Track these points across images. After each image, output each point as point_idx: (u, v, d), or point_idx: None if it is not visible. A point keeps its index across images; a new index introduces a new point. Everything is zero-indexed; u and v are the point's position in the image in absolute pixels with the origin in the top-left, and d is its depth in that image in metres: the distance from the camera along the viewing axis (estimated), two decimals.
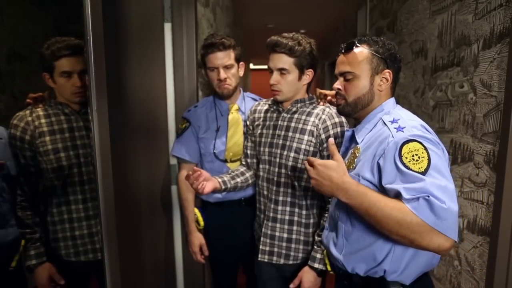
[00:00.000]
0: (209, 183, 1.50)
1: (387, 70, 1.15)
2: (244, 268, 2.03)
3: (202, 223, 1.75)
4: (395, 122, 1.08)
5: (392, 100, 1.20)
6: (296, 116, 1.53)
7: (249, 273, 1.95)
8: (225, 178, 1.61)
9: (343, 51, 1.19)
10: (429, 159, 0.98)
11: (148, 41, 1.65)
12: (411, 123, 1.07)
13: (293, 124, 1.52)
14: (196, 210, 1.77)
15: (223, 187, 1.58)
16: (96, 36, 1.01)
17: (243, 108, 1.78)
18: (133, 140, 1.44)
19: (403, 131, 1.04)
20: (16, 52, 1.39)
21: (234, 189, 1.65)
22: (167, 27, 1.85)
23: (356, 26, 3.87)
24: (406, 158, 0.99)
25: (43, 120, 1.38)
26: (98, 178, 1.07)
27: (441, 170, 0.99)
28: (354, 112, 1.20)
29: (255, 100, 1.84)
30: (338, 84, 1.19)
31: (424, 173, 0.96)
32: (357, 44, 1.16)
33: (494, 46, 1.41)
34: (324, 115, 1.49)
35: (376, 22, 3.13)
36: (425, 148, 1.00)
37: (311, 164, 1.09)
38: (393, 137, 1.04)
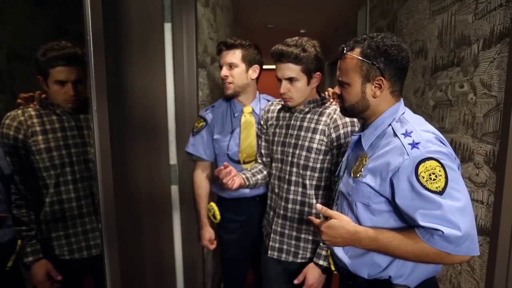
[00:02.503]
0: (237, 179, 1.58)
1: (380, 77, 1.08)
2: (253, 264, 2.03)
3: (218, 216, 1.81)
4: (408, 136, 1.03)
5: (399, 104, 1.14)
6: (308, 116, 1.55)
7: (258, 269, 1.96)
8: (247, 175, 1.66)
9: (339, 56, 1.16)
10: (446, 177, 0.96)
11: (148, 41, 1.65)
12: (425, 136, 1.02)
13: (305, 124, 1.54)
14: (214, 205, 1.83)
15: (246, 183, 1.64)
16: (96, 36, 1.01)
17: (258, 110, 1.81)
18: (133, 140, 1.44)
19: (418, 148, 1.00)
20: (16, 52, 1.39)
21: (254, 186, 1.71)
22: (167, 27, 1.85)
23: (356, 26, 3.87)
24: (423, 177, 0.97)
25: (35, 120, 1.40)
26: (98, 178, 1.07)
27: (458, 185, 0.98)
28: (353, 116, 1.21)
29: (270, 101, 1.86)
30: (336, 89, 1.20)
31: (441, 192, 0.96)
32: (347, 51, 1.11)
33: (494, 46, 1.41)
34: (335, 114, 1.51)
35: (376, 22, 3.13)
36: (442, 166, 0.97)
37: (319, 230, 1.13)
38: (408, 155, 1.00)
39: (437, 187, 0.96)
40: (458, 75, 1.67)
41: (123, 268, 1.17)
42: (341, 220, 1.09)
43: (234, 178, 1.55)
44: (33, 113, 1.40)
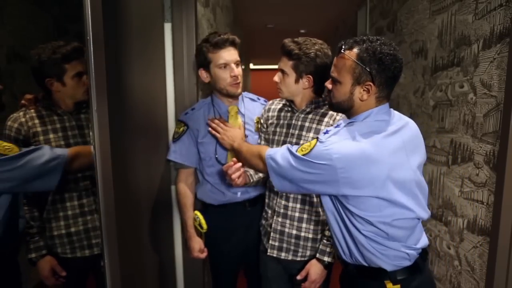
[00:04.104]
0: (243, 175, 1.56)
1: (369, 83, 1.11)
2: (245, 271, 2.02)
3: (205, 226, 1.73)
4: (334, 126, 1.18)
5: (375, 110, 1.16)
6: (310, 116, 1.56)
7: (250, 275, 1.94)
8: (251, 172, 1.65)
9: (336, 52, 1.18)
10: (307, 154, 1.13)
11: (148, 41, 1.65)
12: (339, 136, 1.13)
13: (307, 124, 1.55)
14: (199, 213, 1.74)
15: (250, 180, 1.63)
16: (96, 36, 1.01)
17: (242, 109, 1.77)
18: (133, 140, 1.44)
19: (324, 133, 1.17)
20: (16, 52, 1.39)
21: (257, 183, 1.69)
22: (167, 27, 1.85)
23: (356, 26, 3.87)
24: (303, 144, 1.19)
25: (36, 121, 1.42)
26: (98, 178, 1.07)
27: (302, 164, 1.14)
28: (338, 112, 1.32)
29: (253, 100, 1.84)
30: (328, 83, 1.23)
31: (292, 154, 1.17)
32: (345, 50, 1.13)
33: (494, 46, 1.41)
34: (338, 116, 1.52)
35: (376, 22, 3.13)
36: (314, 148, 1.12)
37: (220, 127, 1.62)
38: (318, 134, 1.20)
39: (296, 150, 1.17)
40: (458, 75, 1.67)
41: (123, 268, 1.17)
42: (240, 132, 1.64)
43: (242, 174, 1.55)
44: (34, 114, 1.43)
